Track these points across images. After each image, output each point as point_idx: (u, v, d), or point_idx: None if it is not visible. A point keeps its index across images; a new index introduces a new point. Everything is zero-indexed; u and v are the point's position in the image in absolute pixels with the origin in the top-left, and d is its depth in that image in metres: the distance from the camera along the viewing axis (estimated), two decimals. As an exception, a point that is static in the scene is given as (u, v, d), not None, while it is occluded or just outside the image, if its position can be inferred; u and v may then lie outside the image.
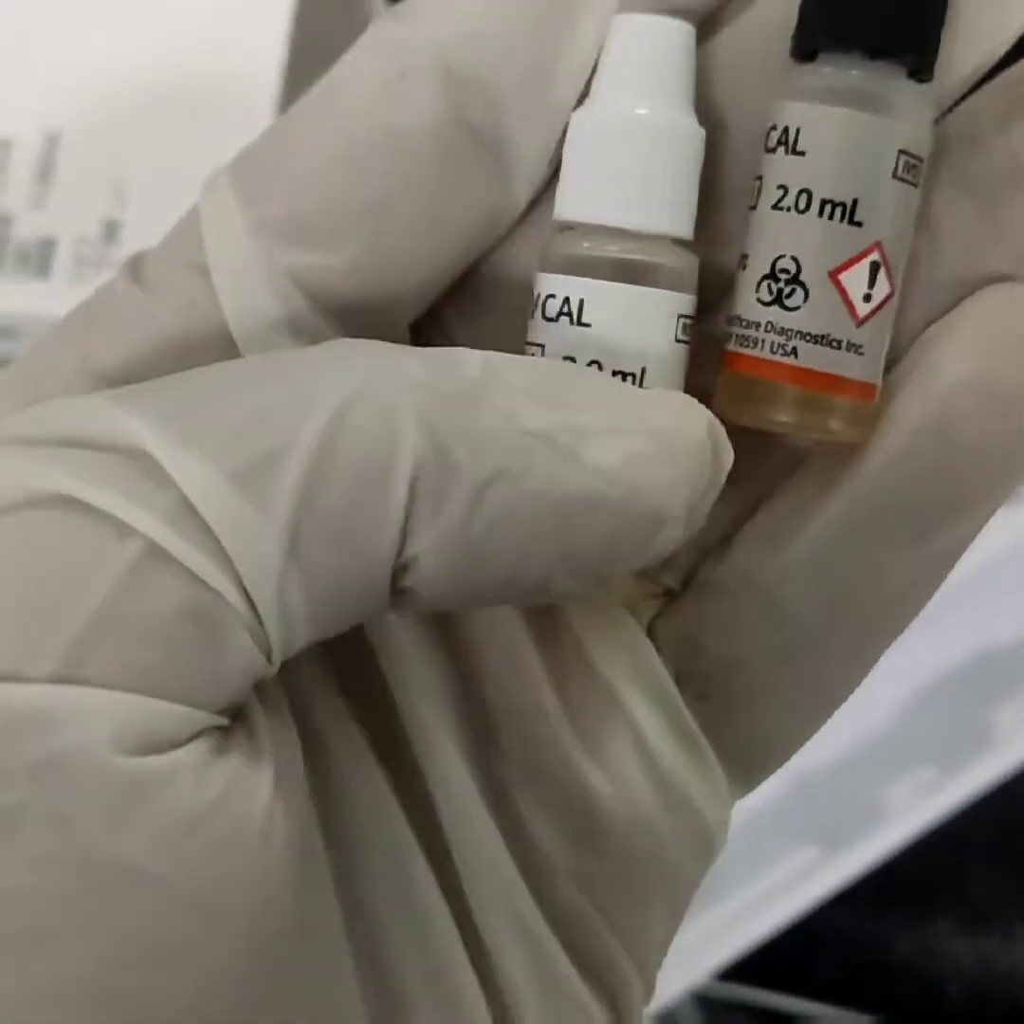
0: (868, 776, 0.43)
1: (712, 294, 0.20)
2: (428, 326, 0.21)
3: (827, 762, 0.44)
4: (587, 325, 0.19)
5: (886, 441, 0.20)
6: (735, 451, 0.19)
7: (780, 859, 0.42)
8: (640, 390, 0.19)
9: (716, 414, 0.19)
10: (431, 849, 0.20)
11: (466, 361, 0.17)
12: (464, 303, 0.20)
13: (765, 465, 0.21)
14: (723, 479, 0.18)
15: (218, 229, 0.19)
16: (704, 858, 0.21)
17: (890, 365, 0.20)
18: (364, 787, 0.20)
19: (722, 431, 0.18)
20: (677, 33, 0.19)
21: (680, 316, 0.19)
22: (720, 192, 0.20)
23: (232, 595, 0.16)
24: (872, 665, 0.21)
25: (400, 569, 0.17)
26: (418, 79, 0.19)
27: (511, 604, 0.20)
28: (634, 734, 0.20)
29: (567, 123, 0.19)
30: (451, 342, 0.20)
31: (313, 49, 0.40)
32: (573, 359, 0.19)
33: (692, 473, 0.18)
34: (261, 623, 0.16)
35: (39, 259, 0.37)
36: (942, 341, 0.20)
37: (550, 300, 0.19)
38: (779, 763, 0.22)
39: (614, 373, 0.19)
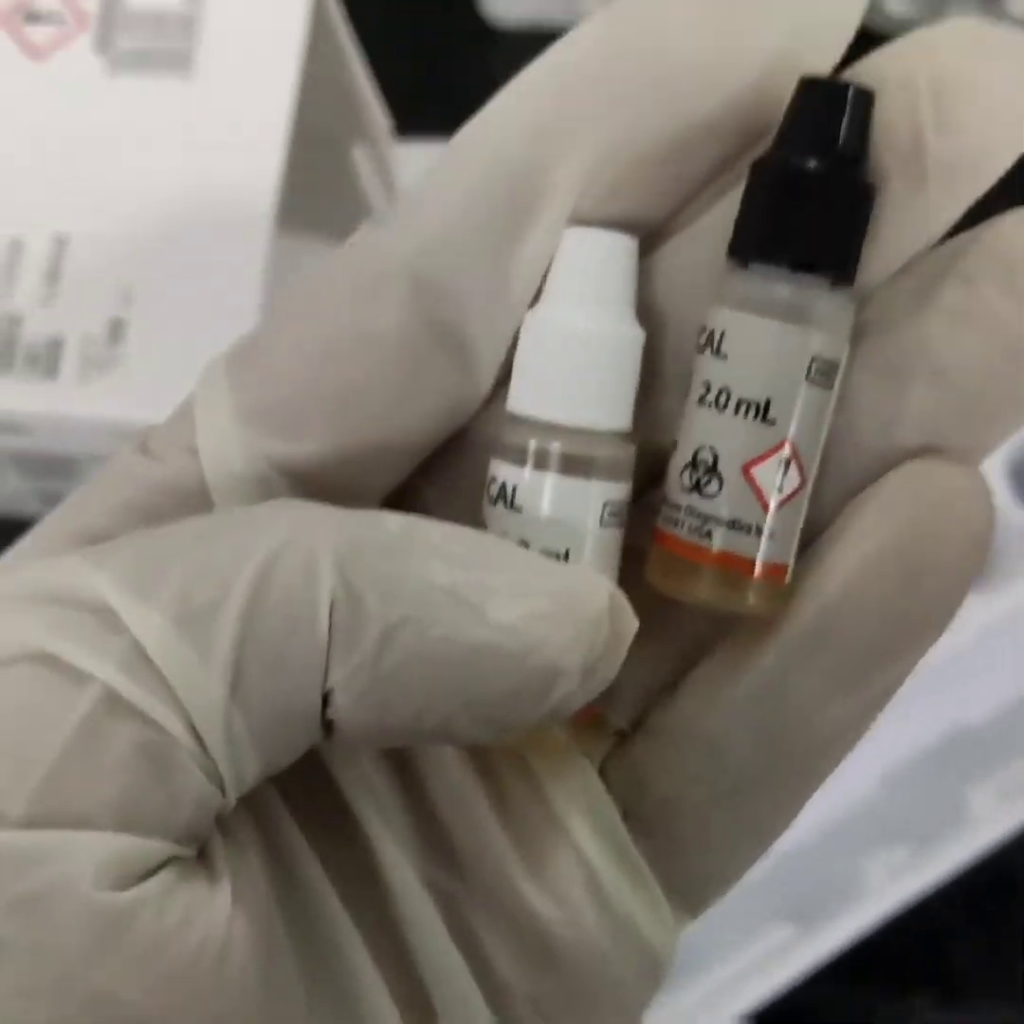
0: (844, 854, 0.44)
1: (653, 471, 0.21)
2: (404, 494, 0.22)
3: (803, 840, 0.45)
4: (518, 509, 0.20)
5: (812, 603, 0.21)
6: (674, 605, 0.21)
7: (757, 936, 0.43)
8: (550, 561, 0.20)
9: (649, 582, 0.21)
10: (397, 978, 0.22)
11: (387, 520, 0.19)
12: (438, 473, 0.22)
13: (707, 616, 0.22)
14: (625, 644, 0.20)
15: (208, 415, 0.21)
16: (652, 980, 0.23)
17: (818, 531, 0.21)
18: (327, 920, 0.21)
19: (624, 602, 0.20)
20: (621, 246, 0.20)
21: (606, 503, 0.21)
22: (663, 380, 0.21)
23: (181, 733, 0.18)
24: (805, 802, 0.22)
25: (324, 702, 0.18)
26: (388, 285, 0.20)
27: (420, 744, 0.22)
28: (583, 865, 0.22)
29: (522, 316, 0.21)
30: (425, 509, 0.22)
31: (304, 170, 0.42)
32: (506, 535, 0.21)
33: (589, 635, 0.19)
34: (210, 756, 0.18)
35: (47, 359, 0.38)
36: (862, 512, 0.21)
37: (492, 483, 0.21)
38: (721, 894, 0.23)
39: (540, 552, 0.20)
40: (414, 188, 0.21)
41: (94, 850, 0.17)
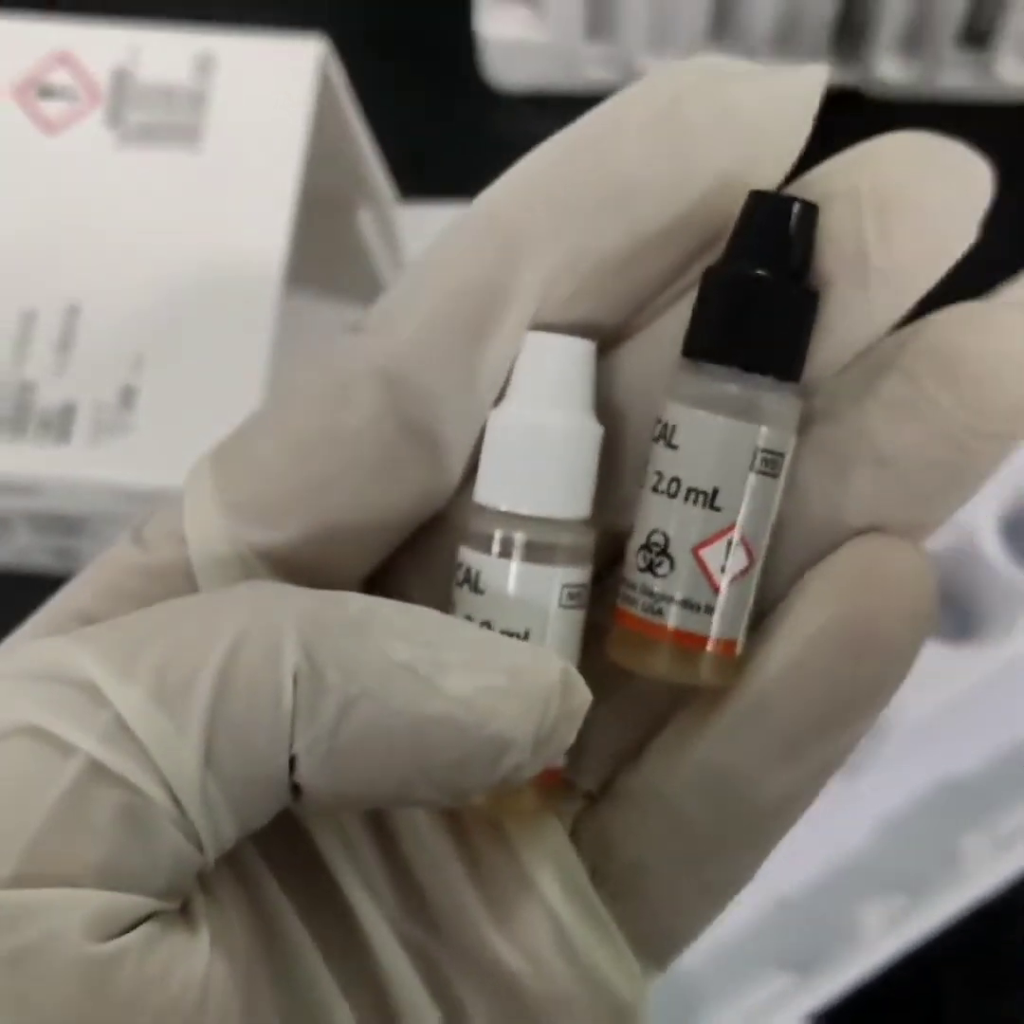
0: (841, 903, 0.44)
1: (616, 552, 0.23)
2: (387, 574, 0.23)
3: (800, 889, 0.46)
4: (482, 592, 0.22)
5: (760, 674, 0.22)
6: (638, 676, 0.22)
7: (757, 984, 0.43)
8: (506, 640, 0.21)
9: (611, 656, 0.22)
10: None
11: (350, 602, 0.21)
12: (418, 556, 0.23)
13: (668, 688, 0.23)
14: (578, 717, 0.21)
15: (194, 506, 0.22)
16: None
17: (772, 605, 0.22)
18: (306, 972, 0.23)
19: (577, 678, 0.21)
20: (578, 349, 0.22)
21: (565, 586, 0.22)
22: (623, 469, 0.23)
23: (160, 798, 0.19)
24: (759, 865, 0.23)
25: (290, 767, 0.20)
26: (360, 385, 0.22)
27: (383, 806, 0.23)
28: (552, 921, 0.23)
29: (488, 411, 0.22)
30: (405, 589, 0.23)
31: (311, 233, 0.43)
32: (471, 619, 0.22)
33: (539, 708, 0.20)
34: (187, 818, 0.19)
35: (60, 425, 0.39)
36: (808, 590, 0.22)
37: (460, 568, 0.22)
38: (686, 946, 0.24)
39: (502, 632, 0.22)
40: (385, 299, 0.22)
41: (80, 905, 0.19)
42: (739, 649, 0.22)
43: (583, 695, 0.21)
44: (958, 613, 0.48)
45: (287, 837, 0.23)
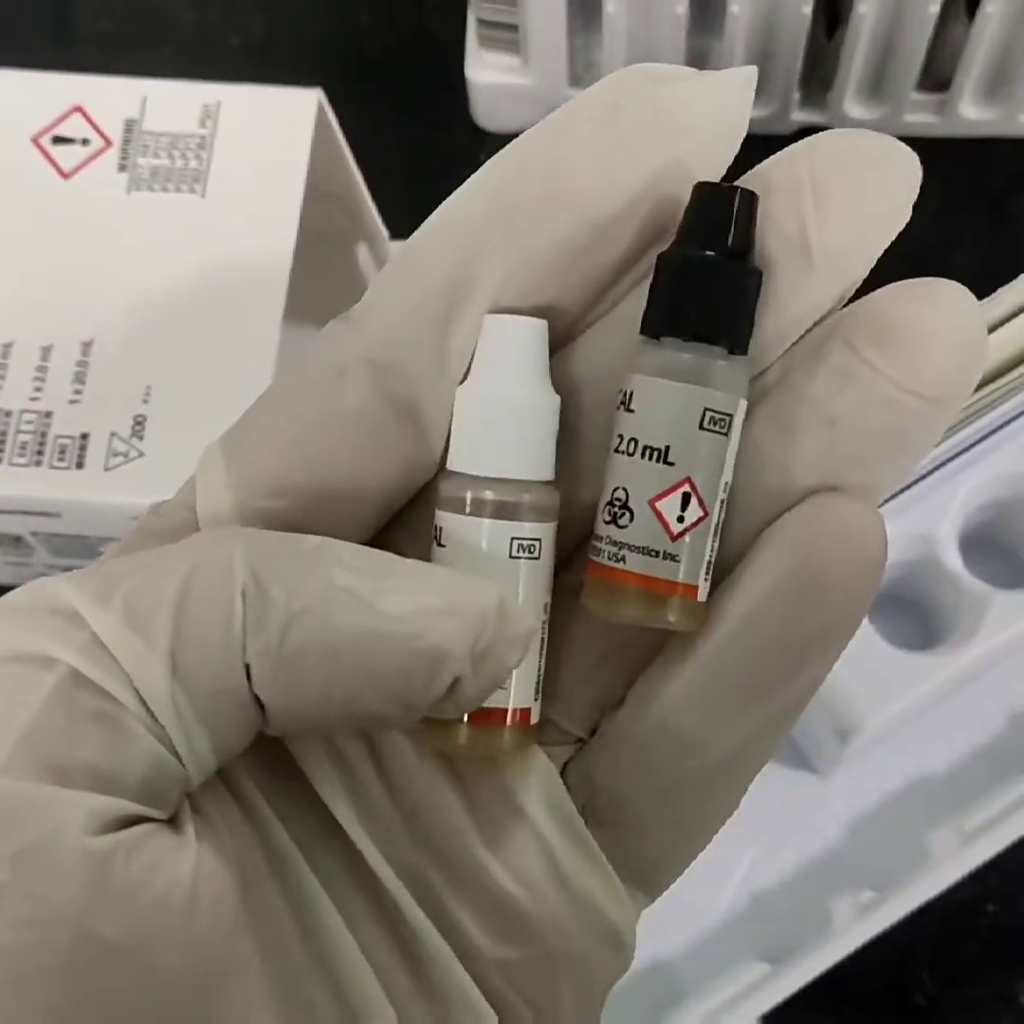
0: (813, 897, 0.46)
1: (578, 518, 0.25)
2: (383, 543, 0.25)
3: (775, 884, 0.48)
4: (444, 546, 0.24)
5: (721, 625, 0.23)
6: (623, 629, 0.24)
7: (734, 974, 0.45)
8: (453, 573, 0.23)
9: (584, 604, 0.24)
10: (373, 928, 0.25)
11: (305, 539, 0.22)
12: (412, 525, 0.25)
13: (646, 635, 0.25)
14: (517, 642, 0.22)
15: (206, 482, 0.25)
16: (614, 955, 0.25)
17: (732, 566, 0.24)
18: (299, 884, 0.24)
19: (517, 607, 0.23)
20: (532, 328, 0.24)
21: (533, 539, 0.24)
22: (582, 442, 0.25)
23: (132, 704, 0.21)
24: (733, 803, 0.25)
25: (248, 679, 0.22)
26: (349, 370, 0.24)
27: (341, 725, 0.24)
28: (543, 847, 0.25)
29: None
30: (397, 552, 0.25)
31: (311, 268, 0.45)
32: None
33: (474, 627, 0.22)
34: (160, 724, 0.21)
35: (76, 452, 0.41)
36: (765, 543, 0.24)
37: (438, 530, 0.24)
38: (670, 878, 0.26)
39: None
40: (368, 294, 0.25)
41: (78, 804, 0.21)
42: (701, 595, 0.24)
43: (523, 621, 0.22)
44: (921, 623, 0.49)
45: (280, 767, 0.25)
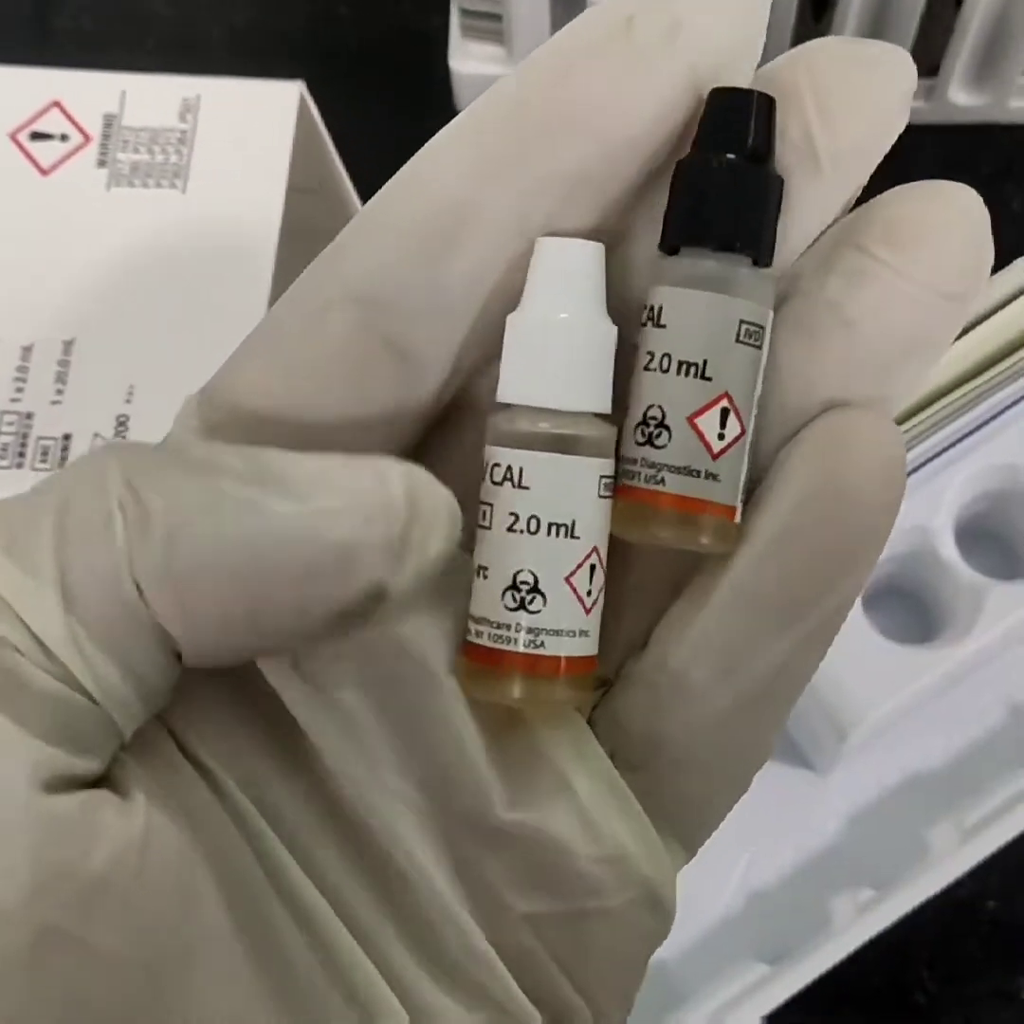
0: (812, 895, 0.46)
1: None
2: None
3: (774, 883, 0.47)
4: (526, 488, 0.22)
5: (752, 543, 0.23)
6: (647, 565, 0.24)
7: (733, 974, 0.44)
8: (351, 460, 0.21)
9: (615, 533, 0.23)
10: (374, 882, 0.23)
11: (193, 449, 0.21)
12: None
13: (671, 573, 0.24)
14: (437, 521, 0.21)
15: (180, 429, 0.23)
16: (652, 914, 0.24)
17: (755, 483, 0.23)
18: (258, 839, 0.23)
19: (425, 481, 0.21)
20: (590, 251, 0.23)
21: (601, 477, 0.23)
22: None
23: (26, 644, 0.20)
24: (774, 732, 0.24)
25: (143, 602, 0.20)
26: (334, 305, 0.23)
27: (254, 648, 0.22)
28: (570, 795, 0.23)
29: (464, 330, 0.23)
30: None
31: (293, 260, 0.44)
32: (516, 515, 0.23)
33: (381, 515, 0.20)
34: (60, 663, 0.20)
35: (58, 453, 0.40)
36: (791, 460, 0.23)
37: (496, 468, 0.23)
38: (711, 825, 0.25)
39: (550, 525, 0.22)
40: (361, 215, 0.23)
41: (20, 753, 0.19)
42: (737, 517, 0.23)
43: (435, 495, 0.21)
44: (918, 616, 0.49)
45: (241, 715, 0.23)
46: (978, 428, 0.46)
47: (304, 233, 0.45)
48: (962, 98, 0.57)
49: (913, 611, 0.49)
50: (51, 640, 0.20)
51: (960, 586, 0.46)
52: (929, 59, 0.56)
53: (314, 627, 0.21)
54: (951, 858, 0.44)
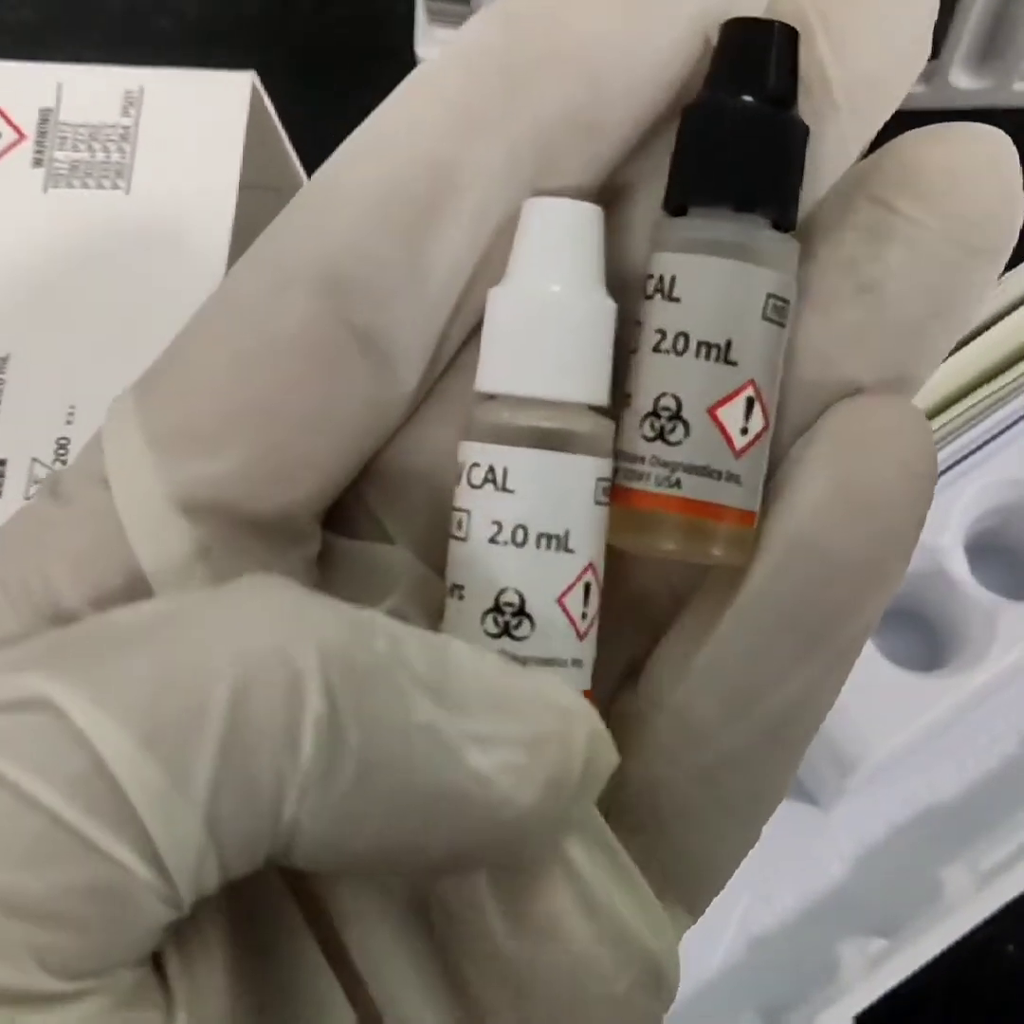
0: (817, 942, 0.43)
1: None
2: (349, 504, 0.21)
3: (774, 929, 0.45)
4: (511, 492, 0.20)
5: (764, 558, 0.20)
6: (634, 582, 0.21)
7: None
8: (530, 683, 0.19)
9: (612, 541, 0.20)
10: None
11: (377, 631, 0.18)
12: (383, 481, 0.21)
13: (663, 596, 0.22)
14: (601, 779, 0.19)
15: (117, 444, 0.20)
16: (654, 988, 0.21)
17: (766, 481, 0.21)
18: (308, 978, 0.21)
19: (604, 739, 0.19)
20: (586, 214, 0.20)
21: (598, 480, 0.20)
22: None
23: (143, 872, 0.16)
24: (789, 775, 0.22)
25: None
26: (295, 287, 0.20)
27: (379, 873, 0.21)
28: (568, 872, 0.20)
29: (446, 314, 0.20)
30: (372, 518, 0.21)
31: None
32: (499, 524, 0.20)
33: (557, 790, 0.18)
34: (173, 887, 0.17)
35: None
36: (805, 459, 0.20)
37: (475, 468, 0.20)
38: (718, 884, 0.22)
39: (540, 536, 0.20)
40: (315, 187, 0.20)
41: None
42: (755, 523, 0.20)
43: (609, 752, 0.19)
44: (928, 639, 0.47)
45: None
46: (987, 442, 0.45)
47: (258, 232, 0.43)
48: (964, 82, 0.55)
49: (922, 634, 0.47)
50: (175, 867, 0.16)
51: (971, 607, 0.44)
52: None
53: (448, 873, 0.19)
54: (968, 904, 0.42)
